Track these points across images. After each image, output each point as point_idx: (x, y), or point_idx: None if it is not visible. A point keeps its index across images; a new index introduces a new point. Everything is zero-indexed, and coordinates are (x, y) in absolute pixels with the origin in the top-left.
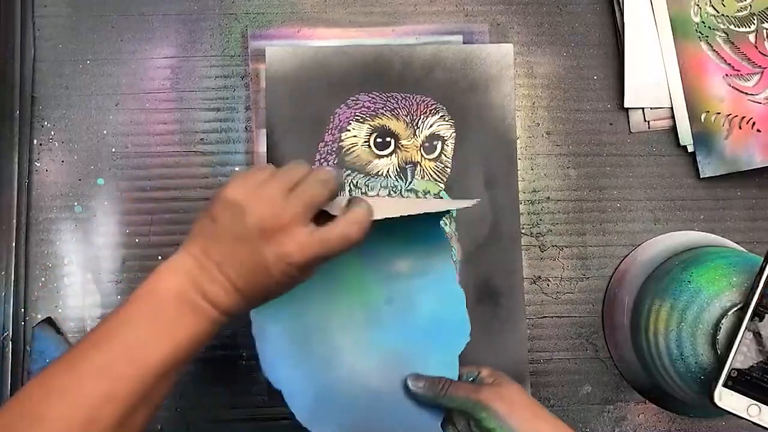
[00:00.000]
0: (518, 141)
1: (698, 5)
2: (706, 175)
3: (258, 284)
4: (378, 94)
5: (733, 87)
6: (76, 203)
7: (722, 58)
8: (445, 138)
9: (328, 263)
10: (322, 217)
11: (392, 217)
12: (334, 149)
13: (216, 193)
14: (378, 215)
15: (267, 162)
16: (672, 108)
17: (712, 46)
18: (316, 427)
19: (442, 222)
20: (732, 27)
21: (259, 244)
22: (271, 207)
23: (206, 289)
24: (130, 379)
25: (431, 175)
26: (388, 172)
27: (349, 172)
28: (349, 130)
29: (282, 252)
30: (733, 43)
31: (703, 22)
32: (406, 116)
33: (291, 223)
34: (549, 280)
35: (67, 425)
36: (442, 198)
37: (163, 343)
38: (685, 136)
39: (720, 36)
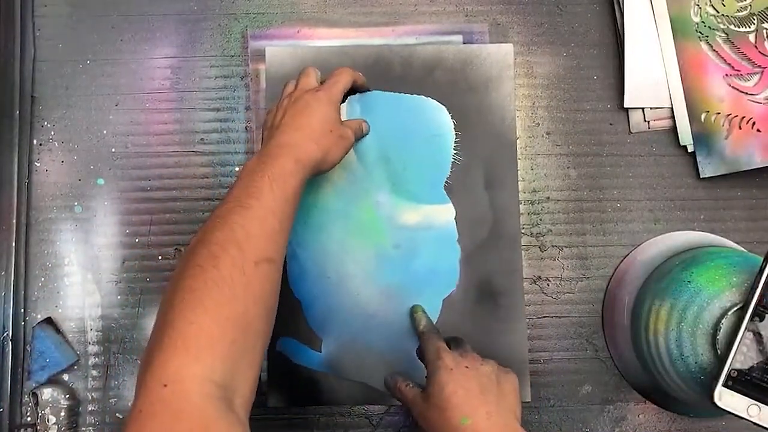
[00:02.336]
0: (518, 141)
1: (698, 5)
2: (706, 175)
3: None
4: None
5: (733, 87)
6: (76, 203)
7: (722, 58)
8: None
9: (351, 212)
10: None
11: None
12: None
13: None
14: None
15: None
16: (672, 108)
17: (712, 46)
18: (321, 333)
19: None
20: (732, 27)
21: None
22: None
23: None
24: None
25: None
26: None
27: None
28: None
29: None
30: (733, 43)
31: (703, 22)
32: None
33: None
34: (549, 280)
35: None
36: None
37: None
38: (685, 136)
39: (720, 36)
